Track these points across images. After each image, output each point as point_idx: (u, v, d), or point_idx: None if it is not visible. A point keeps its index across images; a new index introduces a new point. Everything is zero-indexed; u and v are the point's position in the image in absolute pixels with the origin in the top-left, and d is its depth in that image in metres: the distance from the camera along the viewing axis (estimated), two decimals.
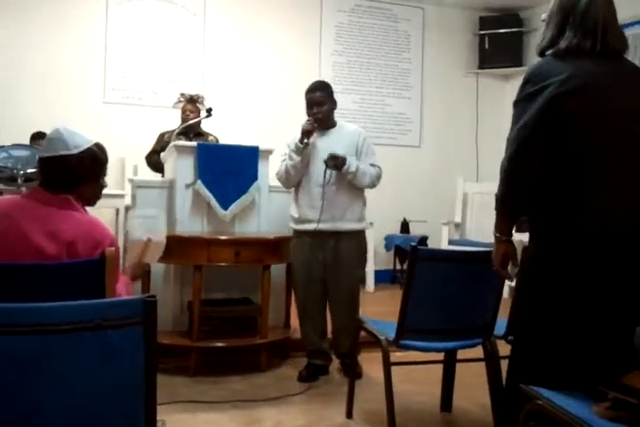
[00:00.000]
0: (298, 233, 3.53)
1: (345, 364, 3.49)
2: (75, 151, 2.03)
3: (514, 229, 2.11)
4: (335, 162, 3.32)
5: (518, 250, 2.15)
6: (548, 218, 2.00)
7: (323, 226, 3.39)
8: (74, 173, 2.04)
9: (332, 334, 3.54)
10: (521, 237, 2.22)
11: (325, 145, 3.43)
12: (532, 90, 1.96)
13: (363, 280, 3.55)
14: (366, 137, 3.57)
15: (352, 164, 3.34)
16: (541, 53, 2.08)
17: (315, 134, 3.44)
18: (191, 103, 4.90)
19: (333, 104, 3.53)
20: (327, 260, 3.43)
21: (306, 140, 3.37)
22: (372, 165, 3.46)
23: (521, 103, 2.00)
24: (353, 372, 2.96)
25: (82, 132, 2.09)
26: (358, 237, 3.49)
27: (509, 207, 2.05)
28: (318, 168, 3.40)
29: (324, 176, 3.35)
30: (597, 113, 1.94)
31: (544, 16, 2.11)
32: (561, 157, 1.96)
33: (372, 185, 3.48)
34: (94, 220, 2.06)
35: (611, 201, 1.93)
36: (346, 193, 3.42)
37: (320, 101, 3.45)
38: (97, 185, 2.15)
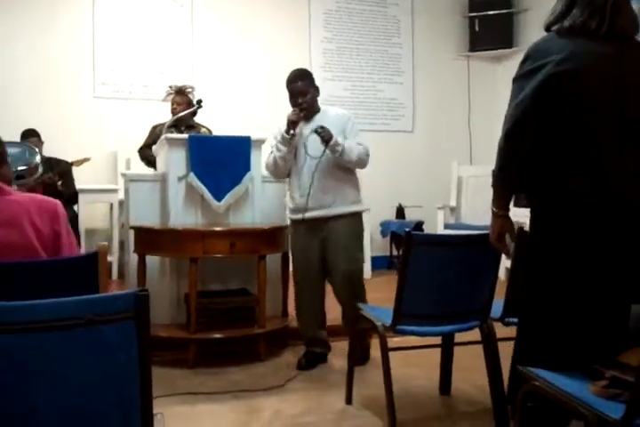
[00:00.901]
0: (293, 222, 3.54)
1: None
2: None
3: (511, 204, 2.12)
4: (323, 132, 3.29)
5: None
6: (545, 195, 2.01)
7: (312, 213, 3.38)
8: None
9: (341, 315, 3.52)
10: (516, 216, 2.23)
11: (308, 131, 3.42)
12: (531, 67, 1.96)
13: (360, 264, 3.51)
14: (351, 117, 3.55)
15: (336, 137, 3.32)
16: (547, 29, 2.06)
17: (300, 123, 3.42)
18: (179, 95, 4.83)
19: (316, 91, 3.51)
20: (323, 246, 3.43)
21: (292, 131, 3.36)
22: (359, 144, 3.43)
23: (519, 80, 2.00)
24: (351, 356, 2.97)
25: None
26: (351, 219, 3.45)
27: (506, 183, 2.07)
28: (300, 155, 3.39)
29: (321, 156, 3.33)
30: (593, 93, 1.94)
31: None
32: (557, 135, 1.96)
33: (362, 163, 3.44)
34: (31, 194, 2.10)
35: (607, 179, 1.94)
36: (334, 178, 3.40)
37: (303, 91, 3.42)
38: (8, 165, 2.16)
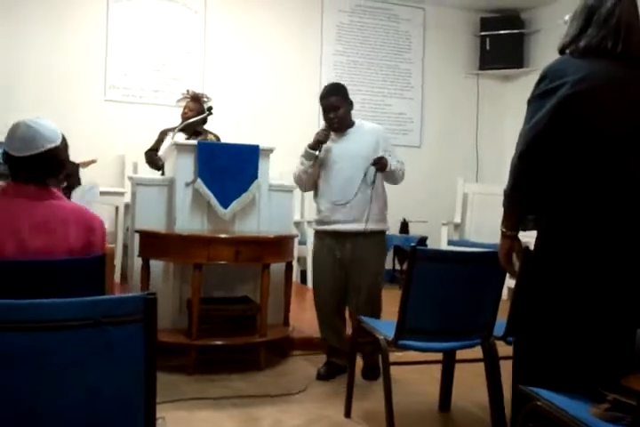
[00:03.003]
0: (319, 234, 3.54)
1: (367, 366, 3.42)
2: (59, 142, 2.05)
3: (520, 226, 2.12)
4: (380, 164, 3.33)
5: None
6: (555, 217, 2.00)
7: (343, 227, 3.39)
8: (60, 162, 2.08)
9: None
10: (525, 238, 2.22)
11: (345, 146, 3.43)
12: (547, 88, 1.96)
13: (382, 281, 3.51)
14: (386, 134, 3.60)
15: (390, 161, 3.37)
16: (562, 51, 2.07)
17: (333, 136, 3.44)
18: (194, 101, 4.86)
19: (349, 106, 3.50)
20: (346, 259, 3.40)
21: (317, 153, 3.38)
22: (398, 161, 3.48)
23: (535, 101, 2.00)
24: (351, 368, 2.96)
25: (46, 120, 2.10)
26: (378, 237, 3.45)
27: (517, 203, 2.06)
28: (344, 168, 3.40)
29: (366, 175, 3.35)
30: (607, 116, 1.94)
31: (566, 17, 2.11)
32: (571, 157, 1.96)
33: (401, 181, 3.52)
34: (79, 205, 2.11)
35: (620, 203, 1.94)
36: (367, 194, 3.38)
37: (335, 106, 3.42)
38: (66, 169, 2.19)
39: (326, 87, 3.54)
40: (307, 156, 3.40)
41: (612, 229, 1.94)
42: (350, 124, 3.51)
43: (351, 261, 3.40)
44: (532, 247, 2.18)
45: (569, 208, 1.97)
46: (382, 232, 3.50)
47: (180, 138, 4.52)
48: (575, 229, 1.96)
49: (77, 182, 5.13)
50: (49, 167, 2.04)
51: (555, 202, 2.00)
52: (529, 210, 2.09)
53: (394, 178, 3.46)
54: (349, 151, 3.41)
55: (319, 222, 3.52)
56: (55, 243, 1.96)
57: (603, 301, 1.94)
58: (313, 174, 3.45)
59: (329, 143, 3.42)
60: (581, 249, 1.95)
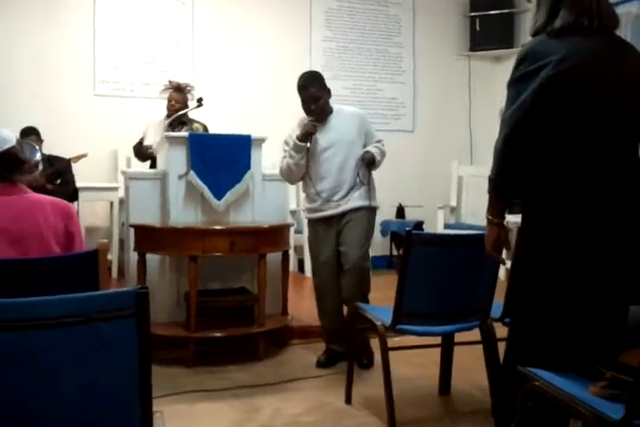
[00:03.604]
0: (311, 222, 3.56)
1: (360, 352, 3.40)
2: (15, 142, 2.31)
3: (506, 211, 2.10)
4: (369, 162, 3.36)
5: (514, 232, 2.14)
6: (541, 200, 1.99)
7: (334, 211, 3.41)
8: (20, 159, 2.31)
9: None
10: (516, 219, 2.21)
11: (329, 134, 3.42)
12: (528, 70, 1.94)
13: (368, 258, 3.50)
14: (366, 117, 3.57)
15: (375, 154, 3.39)
16: (535, 35, 2.05)
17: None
18: (177, 92, 4.78)
19: (328, 94, 3.47)
20: (338, 237, 3.43)
21: (308, 145, 3.37)
22: (378, 141, 3.50)
23: (516, 84, 1.97)
24: (350, 355, 2.98)
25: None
26: (365, 213, 3.44)
27: (502, 189, 2.03)
28: (325, 156, 3.39)
29: (357, 175, 3.38)
30: (593, 94, 1.93)
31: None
32: (557, 139, 1.94)
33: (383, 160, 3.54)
34: (47, 196, 2.35)
35: (605, 184, 1.93)
36: (357, 179, 3.41)
37: (316, 97, 3.39)
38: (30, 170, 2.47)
39: (303, 77, 3.48)
40: (296, 148, 3.38)
41: (599, 209, 1.93)
42: (330, 111, 3.49)
43: (341, 235, 3.40)
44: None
45: (555, 190, 1.95)
46: (369, 208, 3.47)
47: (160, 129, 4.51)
48: (562, 211, 1.95)
49: (72, 179, 5.10)
50: (12, 166, 2.27)
51: (541, 185, 1.98)
52: (515, 194, 2.07)
53: (378, 165, 3.48)
54: (334, 138, 3.40)
55: (310, 210, 3.52)
56: (42, 228, 2.16)
57: (592, 279, 1.93)
58: (303, 166, 3.43)
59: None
60: (569, 229, 1.94)
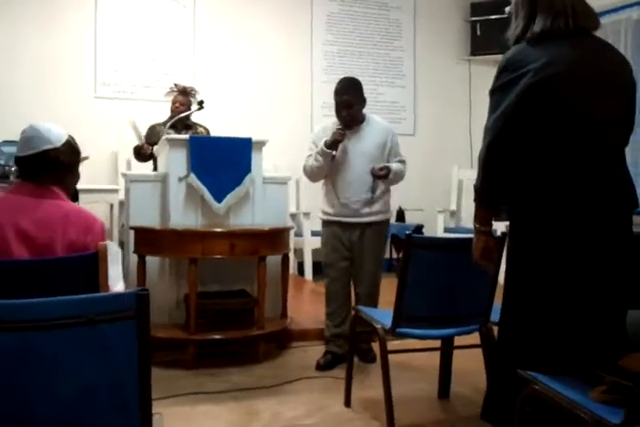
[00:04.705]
0: (326, 222, 3.58)
1: (362, 349, 3.50)
2: (58, 145, 2.14)
3: (493, 219, 2.10)
4: (382, 175, 3.38)
5: None
6: (529, 206, 1.99)
7: (350, 219, 3.46)
8: (60, 164, 2.15)
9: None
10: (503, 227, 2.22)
11: (355, 143, 3.46)
12: (509, 78, 1.95)
13: (382, 268, 3.62)
14: (394, 133, 3.62)
15: (392, 169, 3.42)
16: (516, 42, 2.07)
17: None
18: (182, 95, 4.85)
19: (363, 103, 3.50)
20: (352, 245, 3.49)
21: (334, 152, 3.41)
22: (401, 160, 3.55)
23: (498, 92, 2.00)
24: (350, 357, 2.98)
25: (54, 125, 2.20)
26: (382, 226, 3.55)
27: (487, 196, 2.05)
28: (350, 165, 3.44)
29: (372, 187, 3.43)
30: (575, 99, 1.93)
31: (508, 9, 2.12)
32: (539, 145, 1.95)
33: (401, 180, 3.60)
34: (80, 207, 2.19)
35: (593, 187, 1.93)
36: (372, 192, 3.48)
37: (349, 104, 3.42)
38: (77, 174, 2.28)
39: (341, 82, 3.51)
40: (323, 154, 3.41)
41: (585, 214, 1.93)
42: (362, 119, 3.53)
43: (356, 247, 3.48)
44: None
45: (541, 196, 1.96)
46: (385, 221, 3.58)
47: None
48: (548, 216, 1.95)
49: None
50: (47, 169, 2.12)
51: (526, 191, 1.98)
52: (500, 201, 2.07)
53: (395, 182, 3.56)
54: (359, 149, 3.45)
55: (328, 214, 3.56)
56: (55, 239, 2.02)
57: (587, 284, 1.93)
58: (326, 169, 3.48)
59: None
60: (556, 233, 1.94)
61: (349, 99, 3.41)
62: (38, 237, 2.00)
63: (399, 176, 3.52)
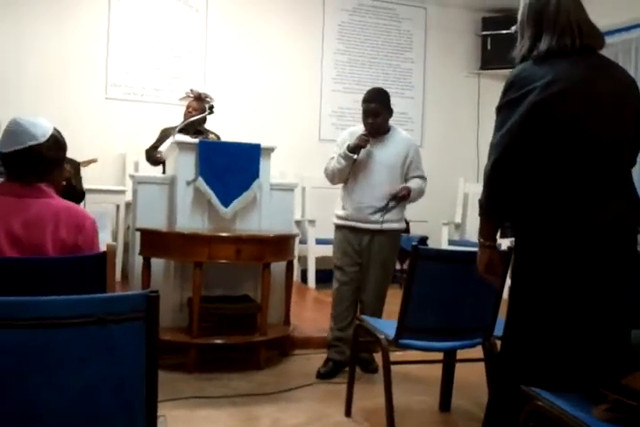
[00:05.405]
0: (338, 227, 3.60)
1: (363, 359, 3.49)
2: (42, 140, 2.04)
3: (498, 234, 2.11)
4: (404, 195, 3.43)
5: None
6: (533, 223, 2.00)
7: (363, 225, 3.48)
8: (46, 160, 2.06)
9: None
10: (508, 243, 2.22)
11: (378, 152, 3.50)
12: (515, 96, 1.96)
13: (390, 278, 3.65)
14: (417, 147, 3.65)
15: (412, 189, 3.46)
16: (522, 61, 2.08)
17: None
18: (197, 100, 4.91)
19: (389, 113, 3.55)
20: (363, 251, 3.50)
21: (356, 156, 3.44)
22: (421, 176, 3.58)
23: (504, 109, 2.00)
24: (352, 367, 2.97)
25: (39, 119, 2.10)
26: (393, 235, 3.56)
27: (493, 212, 2.05)
28: (369, 171, 3.47)
29: (386, 207, 3.44)
30: (580, 117, 1.93)
31: (514, 28, 2.13)
32: (545, 163, 1.95)
33: (420, 198, 3.63)
34: (71, 204, 2.11)
35: (597, 206, 1.93)
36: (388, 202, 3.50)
37: (376, 112, 3.47)
38: (62, 169, 2.21)
39: (370, 91, 3.60)
40: (345, 158, 3.45)
41: (590, 231, 1.93)
42: (387, 129, 3.56)
43: (365, 253, 3.49)
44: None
45: (545, 213, 1.96)
46: (397, 231, 3.59)
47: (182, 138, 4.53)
48: (553, 233, 1.95)
49: (79, 182, 5.09)
50: (32, 165, 2.04)
51: (531, 208, 1.99)
52: (506, 218, 2.08)
53: (413, 201, 3.59)
54: (380, 158, 3.48)
55: (342, 218, 3.57)
56: (46, 240, 1.98)
57: (591, 301, 1.93)
58: (347, 173, 3.51)
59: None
60: (561, 251, 1.94)
61: (376, 107, 3.47)
62: (29, 238, 1.96)
63: (419, 194, 3.55)
